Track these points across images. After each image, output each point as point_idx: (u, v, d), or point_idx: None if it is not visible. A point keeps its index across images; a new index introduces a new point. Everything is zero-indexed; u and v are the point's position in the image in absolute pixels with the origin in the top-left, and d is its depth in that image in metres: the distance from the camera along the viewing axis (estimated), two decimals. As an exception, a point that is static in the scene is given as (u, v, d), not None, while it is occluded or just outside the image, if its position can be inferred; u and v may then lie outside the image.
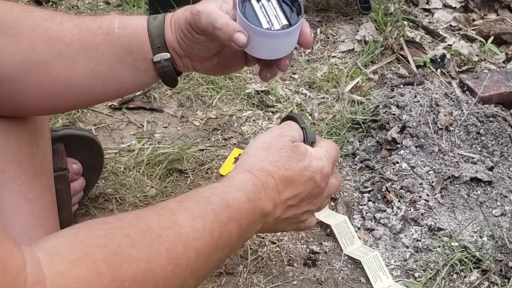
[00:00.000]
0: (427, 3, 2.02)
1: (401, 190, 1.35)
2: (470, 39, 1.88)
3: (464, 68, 1.76)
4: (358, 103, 1.59)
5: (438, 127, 1.46)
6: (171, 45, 0.96)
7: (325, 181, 0.94)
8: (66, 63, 0.93)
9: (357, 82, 1.68)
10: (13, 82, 0.93)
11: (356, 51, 1.80)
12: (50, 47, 0.93)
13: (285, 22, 0.90)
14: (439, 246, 1.25)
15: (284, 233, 1.28)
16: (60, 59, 0.93)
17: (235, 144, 1.49)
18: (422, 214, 1.31)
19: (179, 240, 0.74)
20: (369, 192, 1.38)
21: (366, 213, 1.33)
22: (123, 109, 1.57)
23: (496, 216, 1.33)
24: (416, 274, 1.21)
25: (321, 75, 1.70)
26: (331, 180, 0.96)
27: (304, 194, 0.92)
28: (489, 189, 1.39)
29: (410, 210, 1.32)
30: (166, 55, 0.96)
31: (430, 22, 1.95)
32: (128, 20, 0.97)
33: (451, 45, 1.84)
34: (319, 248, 1.25)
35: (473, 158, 1.43)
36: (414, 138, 1.44)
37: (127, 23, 0.96)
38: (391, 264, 1.23)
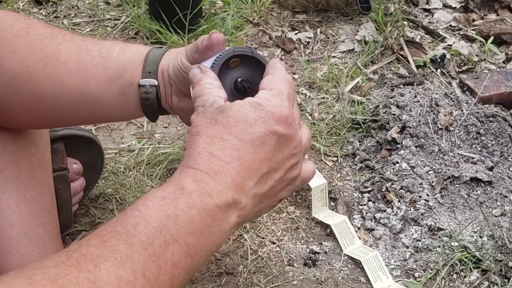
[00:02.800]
0: (427, 3, 2.02)
1: (401, 190, 1.35)
2: (470, 39, 1.88)
3: (464, 68, 1.76)
4: (358, 103, 1.59)
5: (438, 127, 1.46)
6: (163, 68, 0.91)
7: (286, 124, 0.75)
8: (56, 83, 0.91)
9: (357, 82, 1.68)
10: (2, 100, 0.93)
11: (356, 51, 1.80)
12: (43, 66, 0.90)
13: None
14: (439, 246, 1.25)
15: (284, 233, 1.28)
16: (51, 78, 0.91)
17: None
18: (422, 214, 1.31)
19: None
20: (369, 192, 1.38)
21: (366, 213, 1.33)
22: (123, 109, 1.57)
23: (496, 216, 1.33)
24: (416, 274, 1.21)
25: (321, 75, 1.70)
26: (295, 111, 0.78)
27: (270, 152, 0.75)
28: (489, 189, 1.38)
29: (410, 210, 1.32)
30: (153, 81, 0.90)
31: (430, 22, 1.95)
32: (130, 47, 0.93)
33: (451, 45, 1.84)
34: (319, 248, 1.25)
35: (473, 158, 1.43)
36: (414, 138, 1.44)
37: (128, 49, 0.92)
38: (391, 264, 1.23)
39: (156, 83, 0.91)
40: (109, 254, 0.65)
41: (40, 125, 1.04)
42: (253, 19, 1.88)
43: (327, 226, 1.29)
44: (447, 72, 1.74)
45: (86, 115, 0.95)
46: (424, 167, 1.40)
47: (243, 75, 0.83)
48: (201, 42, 0.85)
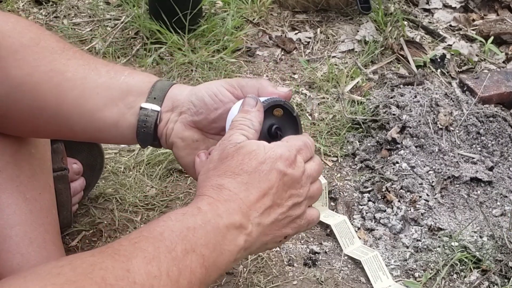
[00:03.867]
0: (427, 3, 2.02)
1: (401, 190, 1.35)
2: (470, 39, 1.88)
3: (464, 68, 1.76)
4: (358, 103, 1.59)
5: (438, 127, 1.46)
6: (173, 97, 0.94)
7: (291, 167, 0.86)
8: (58, 95, 0.92)
9: (357, 82, 1.68)
10: (3, 104, 0.93)
11: (356, 51, 1.80)
12: (49, 78, 0.92)
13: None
14: (439, 246, 1.25)
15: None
16: (55, 90, 0.92)
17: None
18: (422, 214, 1.31)
19: None
20: (369, 192, 1.38)
21: (366, 213, 1.33)
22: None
23: (496, 216, 1.33)
24: (416, 274, 1.21)
25: (321, 75, 1.70)
26: (307, 165, 0.88)
27: (274, 188, 0.84)
28: (489, 189, 1.39)
29: (410, 210, 1.32)
30: (156, 107, 0.94)
31: (430, 22, 1.95)
32: (140, 73, 0.96)
33: (451, 45, 1.84)
34: (319, 248, 1.25)
35: (473, 158, 1.43)
36: (414, 138, 1.44)
37: (137, 74, 0.95)
38: (391, 264, 1.23)
39: (159, 109, 0.94)
40: (139, 252, 0.73)
41: (35, 134, 1.04)
42: (253, 19, 1.88)
43: (327, 226, 1.29)
44: (447, 72, 1.74)
45: (79, 131, 0.96)
46: (424, 167, 1.40)
47: (279, 125, 0.93)
48: (272, 87, 0.94)
